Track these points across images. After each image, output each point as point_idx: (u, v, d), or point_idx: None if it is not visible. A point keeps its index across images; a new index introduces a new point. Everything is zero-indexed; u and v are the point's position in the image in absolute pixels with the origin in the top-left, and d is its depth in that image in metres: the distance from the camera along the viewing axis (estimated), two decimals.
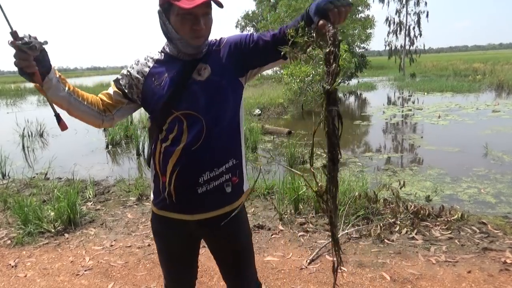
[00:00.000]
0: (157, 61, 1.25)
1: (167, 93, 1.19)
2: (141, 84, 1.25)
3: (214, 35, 1.29)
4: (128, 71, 1.27)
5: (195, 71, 1.21)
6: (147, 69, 1.24)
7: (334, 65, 0.89)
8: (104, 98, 1.30)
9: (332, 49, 0.90)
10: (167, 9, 1.14)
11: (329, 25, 0.91)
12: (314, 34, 0.98)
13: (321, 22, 0.93)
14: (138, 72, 1.25)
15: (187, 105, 1.19)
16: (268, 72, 33.61)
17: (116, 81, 1.30)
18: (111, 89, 1.30)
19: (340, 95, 18.17)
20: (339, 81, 0.91)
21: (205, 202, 1.24)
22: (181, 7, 1.09)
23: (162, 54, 1.26)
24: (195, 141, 1.19)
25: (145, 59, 1.26)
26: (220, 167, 1.23)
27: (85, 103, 1.24)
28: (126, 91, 1.27)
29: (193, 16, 1.12)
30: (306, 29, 1.01)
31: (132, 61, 1.29)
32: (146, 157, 1.41)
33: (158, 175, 1.27)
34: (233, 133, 1.27)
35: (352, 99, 17.46)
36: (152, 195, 1.35)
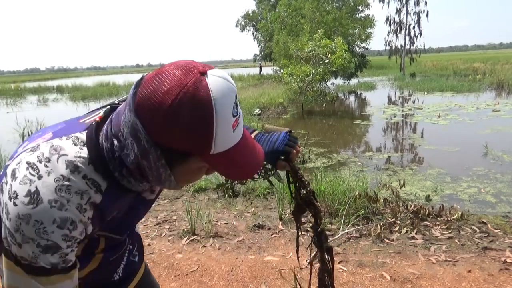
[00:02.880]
0: (97, 206, 0.69)
1: (109, 226, 0.78)
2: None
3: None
4: (74, 241, 0.67)
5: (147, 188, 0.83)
6: (87, 219, 0.68)
7: (317, 203, 0.98)
8: None
9: (308, 189, 0.97)
10: (174, 157, 0.64)
11: (290, 164, 0.99)
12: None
13: (282, 163, 0.98)
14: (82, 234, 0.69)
15: (119, 228, 0.84)
16: (268, 71, 33.66)
17: (72, 267, 0.69)
18: (69, 284, 0.69)
19: (340, 94, 18.19)
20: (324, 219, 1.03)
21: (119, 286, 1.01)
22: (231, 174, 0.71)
23: (108, 190, 0.70)
24: (112, 254, 0.91)
25: (80, 211, 0.65)
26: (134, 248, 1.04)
27: None
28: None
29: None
30: None
31: (62, 229, 0.63)
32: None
33: None
34: None
35: (352, 98, 17.46)
36: None
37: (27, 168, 0.64)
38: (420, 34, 27.69)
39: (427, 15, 27.40)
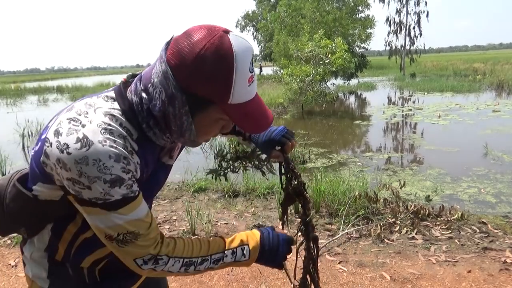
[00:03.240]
0: (136, 152, 0.76)
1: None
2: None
3: None
4: (132, 174, 0.73)
5: (166, 151, 0.88)
6: (136, 162, 0.76)
7: (306, 194, 1.01)
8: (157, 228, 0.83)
9: (300, 180, 1.00)
10: (197, 103, 0.73)
11: (284, 155, 1.04)
12: (249, 155, 1.17)
13: (276, 152, 1.05)
14: (136, 171, 0.76)
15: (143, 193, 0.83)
16: (268, 71, 33.66)
17: (139, 192, 0.77)
18: (144, 206, 0.77)
19: (340, 95, 18.19)
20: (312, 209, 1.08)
21: (135, 276, 0.96)
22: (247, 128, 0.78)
23: (138, 141, 0.76)
24: None
25: (127, 152, 0.72)
26: None
27: None
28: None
29: (229, 122, 0.80)
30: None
31: (119, 162, 0.70)
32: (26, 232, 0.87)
33: (57, 262, 0.86)
34: None
35: (352, 99, 17.46)
36: (39, 281, 0.88)
37: (69, 122, 0.70)
38: (420, 34, 27.66)
39: (427, 16, 27.38)
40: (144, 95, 0.73)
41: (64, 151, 0.67)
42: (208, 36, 0.68)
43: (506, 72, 21.33)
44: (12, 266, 2.77)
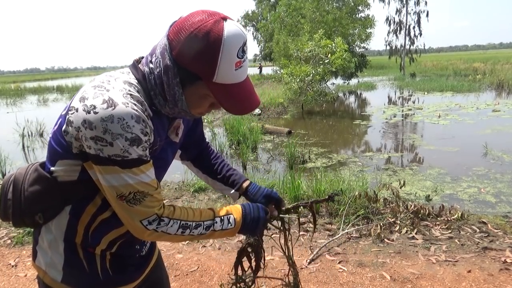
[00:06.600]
0: (151, 118, 0.84)
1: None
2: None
3: None
4: (148, 138, 0.82)
5: (172, 129, 0.96)
6: (152, 126, 0.85)
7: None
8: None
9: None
10: (186, 77, 0.81)
11: (278, 212, 1.24)
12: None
13: (272, 207, 1.23)
14: (151, 134, 0.85)
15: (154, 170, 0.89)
16: (268, 71, 33.64)
17: (150, 158, 0.84)
18: (152, 173, 0.84)
19: (340, 94, 18.20)
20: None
21: (147, 262, 1.06)
22: (230, 111, 0.84)
23: (152, 108, 0.85)
24: None
25: (145, 115, 0.81)
26: None
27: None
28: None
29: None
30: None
31: (139, 123, 0.78)
32: (41, 214, 0.87)
33: (74, 246, 0.90)
34: None
35: (352, 98, 17.46)
36: (52, 271, 0.90)
37: (94, 88, 0.78)
38: (420, 34, 27.63)
39: (427, 15, 27.34)
40: (151, 65, 0.83)
41: (91, 111, 0.73)
42: (205, 20, 0.76)
43: (506, 71, 21.33)
44: (12, 266, 2.76)
